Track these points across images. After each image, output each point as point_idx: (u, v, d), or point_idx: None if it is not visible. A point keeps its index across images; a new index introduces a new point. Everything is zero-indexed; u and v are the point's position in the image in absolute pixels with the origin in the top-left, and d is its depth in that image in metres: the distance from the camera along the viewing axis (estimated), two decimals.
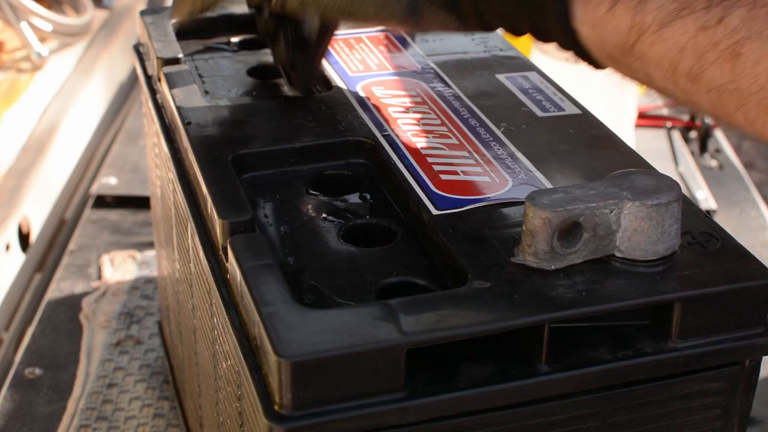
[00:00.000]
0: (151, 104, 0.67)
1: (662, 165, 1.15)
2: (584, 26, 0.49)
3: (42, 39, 1.27)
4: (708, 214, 0.50)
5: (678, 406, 0.48)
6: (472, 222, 0.51)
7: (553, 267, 0.46)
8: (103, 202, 1.08)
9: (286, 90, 0.67)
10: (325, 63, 0.68)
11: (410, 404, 0.43)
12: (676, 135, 1.22)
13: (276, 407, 0.42)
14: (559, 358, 0.45)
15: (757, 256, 0.49)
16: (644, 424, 0.48)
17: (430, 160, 0.56)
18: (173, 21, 0.71)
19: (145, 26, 0.71)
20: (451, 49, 0.70)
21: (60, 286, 0.95)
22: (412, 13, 0.54)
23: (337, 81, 0.65)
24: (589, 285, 0.46)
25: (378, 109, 0.62)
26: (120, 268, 0.97)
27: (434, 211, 0.52)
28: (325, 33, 0.62)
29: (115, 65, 1.36)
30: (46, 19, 1.26)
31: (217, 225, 0.50)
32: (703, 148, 1.22)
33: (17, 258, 1.00)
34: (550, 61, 1.15)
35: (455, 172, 0.55)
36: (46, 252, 1.08)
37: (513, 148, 0.58)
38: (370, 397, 0.42)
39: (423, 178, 0.54)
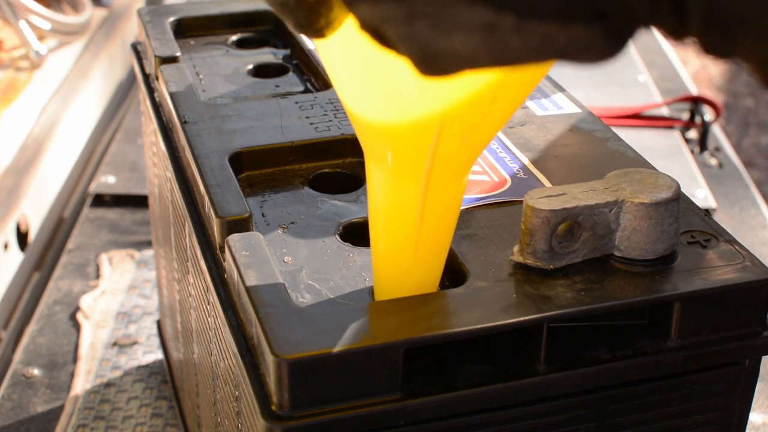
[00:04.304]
0: (148, 103, 0.67)
1: (662, 164, 1.15)
2: None
3: (41, 37, 1.27)
4: (707, 212, 0.50)
5: (677, 405, 0.48)
6: (471, 221, 0.50)
7: (551, 266, 0.46)
8: (101, 200, 1.08)
9: (285, 88, 0.66)
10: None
11: (408, 404, 0.43)
12: (676, 134, 1.22)
13: (273, 407, 0.42)
14: (558, 357, 0.45)
15: (756, 255, 0.48)
16: (643, 424, 0.48)
17: None
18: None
19: (142, 24, 0.71)
20: None
21: (58, 285, 0.95)
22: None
23: None
24: (588, 284, 0.46)
25: None
26: (118, 267, 0.97)
27: None
28: None
29: (113, 64, 1.36)
30: (44, 17, 1.26)
31: (215, 223, 0.50)
32: (703, 147, 1.22)
33: (15, 257, 1.00)
34: None
35: None
36: (45, 251, 1.08)
37: (512, 147, 0.57)
38: (368, 397, 0.42)
39: None
